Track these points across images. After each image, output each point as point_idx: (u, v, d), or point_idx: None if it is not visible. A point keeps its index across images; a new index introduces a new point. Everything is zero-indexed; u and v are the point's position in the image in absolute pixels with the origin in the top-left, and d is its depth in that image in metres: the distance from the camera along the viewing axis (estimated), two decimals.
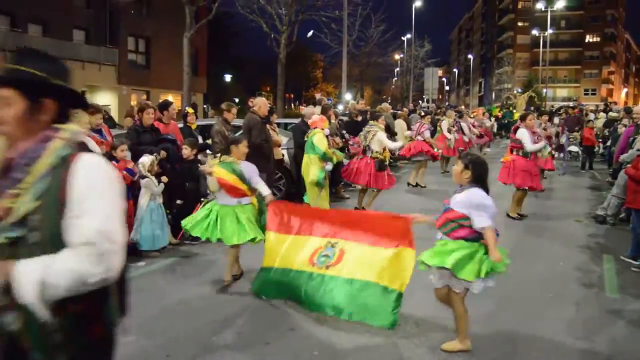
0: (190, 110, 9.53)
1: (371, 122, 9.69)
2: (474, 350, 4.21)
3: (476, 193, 4.00)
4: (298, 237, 4.80)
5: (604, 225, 8.68)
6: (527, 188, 8.95)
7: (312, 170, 8.27)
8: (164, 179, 6.95)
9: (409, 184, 12.41)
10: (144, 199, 6.71)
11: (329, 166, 8.41)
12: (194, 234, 5.82)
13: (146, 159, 6.79)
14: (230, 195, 5.63)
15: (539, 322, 4.83)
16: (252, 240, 5.57)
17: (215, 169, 5.67)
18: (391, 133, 12.72)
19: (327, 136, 8.51)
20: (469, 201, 3.97)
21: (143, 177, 6.73)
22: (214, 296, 5.47)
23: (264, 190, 5.73)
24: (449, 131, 14.18)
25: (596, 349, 4.30)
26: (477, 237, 3.98)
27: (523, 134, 8.85)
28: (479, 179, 4.07)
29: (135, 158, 6.92)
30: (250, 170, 5.73)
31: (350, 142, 11.57)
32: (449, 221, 4.04)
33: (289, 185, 10.48)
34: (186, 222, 5.85)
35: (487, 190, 4.07)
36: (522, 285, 5.80)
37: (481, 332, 4.56)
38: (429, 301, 4.51)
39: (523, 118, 9.19)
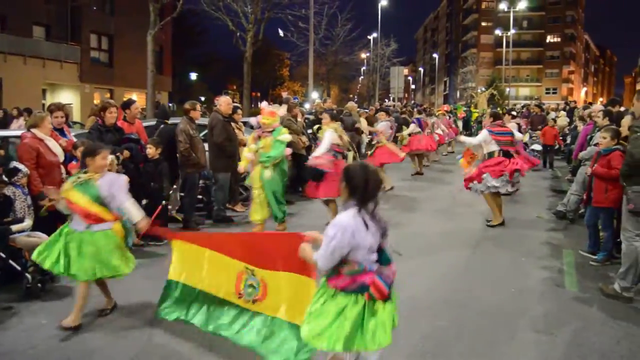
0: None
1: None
2: (438, 345, 4.28)
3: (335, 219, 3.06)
4: (214, 254, 4.15)
5: (564, 221, 8.91)
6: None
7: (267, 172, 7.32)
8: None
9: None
10: None
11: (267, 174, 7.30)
12: (45, 266, 4.66)
13: None
14: (84, 219, 4.59)
15: (501, 316, 4.94)
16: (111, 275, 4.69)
17: (66, 188, 4.69)
18: (357, 132, 12.83)
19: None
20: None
21: None
22: None
23: (134, 214, 4.66)
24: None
25: (556, 342, 4.42)
26: (360, 287, 3.02)
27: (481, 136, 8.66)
28: (354, 192, 3.05)
29: None
30: (112, 187, 4.62)
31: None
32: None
33: None
34: (38, 252, 4.67)
35: (368, 205, 3.04)
36: (484, 279, 5.93)
37: (444, 326, 4.65)
38: None
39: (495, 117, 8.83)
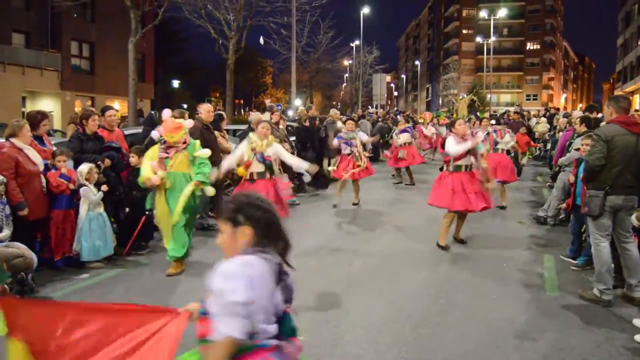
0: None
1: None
2: (420, 352, 4.30)
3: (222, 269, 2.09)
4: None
5: (545, 226, 9.01)
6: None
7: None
8: (104, 187, 6.78)
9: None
10: (82, 208, 6.53)
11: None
12: None
13: (84, 167, 6.61)
14: None
15: (482, 322, 4.97)
16: None
17: None
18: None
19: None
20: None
21: (82, 185, 6.56)
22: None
23: None
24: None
25: (537, 347, 4.45)
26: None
27: (449, 142, 7.41)
28: (258, 227, 2.20)
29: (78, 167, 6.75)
30: None
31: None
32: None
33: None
34: None
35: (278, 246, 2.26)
36: (466, 286, 5.96)
37: (426, 334, 4.67)
38: None
39: (452, 125, 7.66)
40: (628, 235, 5.38)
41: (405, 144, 13.82)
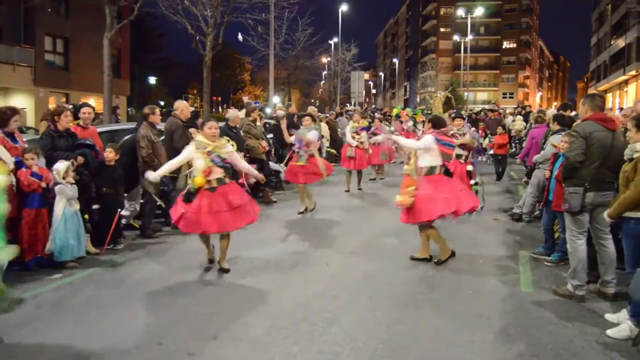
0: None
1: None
2: (396, 349, 4.31)
3: None
4: None
5: (520, 223, 9.12)
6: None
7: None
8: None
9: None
10: (58, 207, 6.40)
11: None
12: None
13: (61, 165, 6.49)
14: None
15: (458, 318, 5.00)
16: None
17: None
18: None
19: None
20: None
21: (57, 183, 6.43)
22: (134, 307, 5.30)
23: None
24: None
25: (511, 342, 4.49)
26: None
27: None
28: None
29: (51, 164, 6.61)
30: None
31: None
32: None
33: None
34: None
35: None
36: (442, 282, 6.00)
37: (402, 330, 4.68)
38: None
39: (434, 124, 6.96)
40: (606, 232, 5.45)
41: (362, 142, 12.49)
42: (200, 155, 6.09)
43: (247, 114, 11.43)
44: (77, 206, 6.60)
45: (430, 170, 6.64)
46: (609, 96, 50.44)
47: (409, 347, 4.38)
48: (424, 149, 6.65)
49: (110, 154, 7.47)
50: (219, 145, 6.24)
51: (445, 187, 6.57)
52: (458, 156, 8.94)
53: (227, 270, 6.30)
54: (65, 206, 6.44)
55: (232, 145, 6.43)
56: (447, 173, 6.75)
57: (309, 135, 9.63)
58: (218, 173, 6.16)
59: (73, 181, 6.58)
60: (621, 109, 17.64)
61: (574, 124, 7.18)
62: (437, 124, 6.93)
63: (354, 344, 4.41)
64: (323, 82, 64.80)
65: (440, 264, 6.64)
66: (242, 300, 5.47)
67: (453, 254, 6.84)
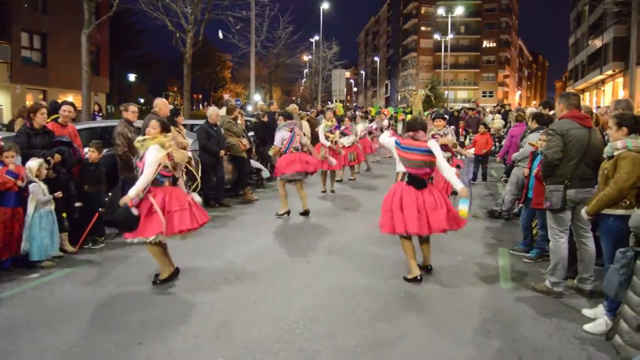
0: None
1: None
2: (377, 345, 4.32)
3: None
4: None
5: (499, 220, 9.20)
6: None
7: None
8: (58, 194, 6.62)
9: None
10: (31, 206, 6.30)
11: None
12: None
13: (33, 163, 6.37)
14: None
15: (439, 315, 5.03)
16: None
17: None
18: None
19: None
20: None
21: (31, 182, 6.32)
22: (111, 306, 5.24)
23: None
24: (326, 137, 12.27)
25: (491, 338, 4.53)
26: None
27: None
28: None
29: (27, 162, 6.50)
30: None
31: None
32: None
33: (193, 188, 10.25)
34: None
35: None
36: (423, 280, 6.01)
37: (383, 327, 4.69)
38: None
39: (412, 126, 6.07)
40: (587, 229, 5.52)
41: (335, 142, 12.24)
42: (174, 149, 5.70)
43: (229, 112, 11.37)
44: (51, 206, 6.49)
45: (396, 177, 6.09)
46: (587, 95, 51.22)
47: (391, 344, 4.39)
48: (386, 148, 6.23)
49: (92, 154, 7.40)
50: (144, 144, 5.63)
51: (396, 201, 5.84)
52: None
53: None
54: (39, 205, 6.34)
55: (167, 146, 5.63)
56: (417, 183, 5.87)
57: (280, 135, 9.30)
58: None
59: (44, 178, 6.47)
60: (598, 107, 17.91)
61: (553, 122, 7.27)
62: (409, 126, 6.10)
63: (334, 342, 4.41)
64: (304, 80, 64.77)
65: (409, 282, 5.90)
66: (221, 298, 5.44)
67: (419, 279, 5.92)
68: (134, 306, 5.21)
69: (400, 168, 5.97)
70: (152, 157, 5.48)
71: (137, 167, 5.69)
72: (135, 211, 5.33)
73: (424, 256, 6.33)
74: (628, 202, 4.64)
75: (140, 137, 5.82)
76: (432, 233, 5.88)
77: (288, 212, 9.37)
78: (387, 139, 6.25)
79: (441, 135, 8.70)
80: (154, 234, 5.43)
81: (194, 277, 6.08)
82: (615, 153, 4.75)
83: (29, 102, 27.18)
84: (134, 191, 5.36)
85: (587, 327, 4.70)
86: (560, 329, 4.72)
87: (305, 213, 9.38)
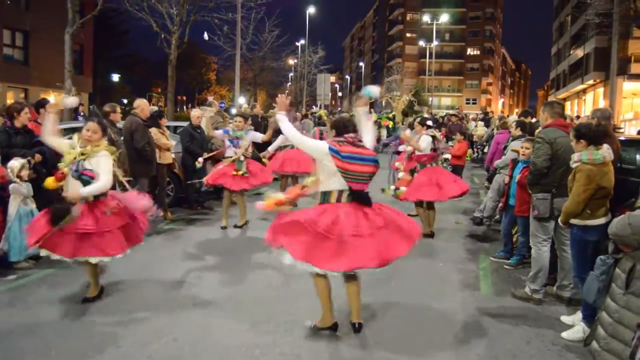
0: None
1: None
2: (357, 349, 4.32)
3: None
4: None
5: (481, 227, 9.27)
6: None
7: None
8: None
9: None
10: (13, 205, 6.21)
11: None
12: None
13: (15, 163, 6.29)
14: None
15: (419, 321, 5.05)
16: None
17: None
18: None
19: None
20: None
21: (11, 182, 6.23)
22: (88, 308, 5.18)
23: None
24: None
25: (470, 343, 4.56)
26: None
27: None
28: None
29: (7, 162, 6.41)
30: None
31: None
32: None
33: (177, 190, 10.20)
34: None
35: None
36: (403, 285, 6.04)
37: (365, 332, 4.69)
38: None
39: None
40: (568, 237, 5.58)
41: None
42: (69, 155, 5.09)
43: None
44: (32, 205, 6.40)
45: (324, 197, 4.50)
46: (568, 104, 51.83)
47: (370, 349, 4.40)
48: (312, 154, 4.60)
49: None
50: (89, 150, 5.11)
51: (326, 224, 4.24)
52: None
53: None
54: (20, 205, 6.25)
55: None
56: (362, 200, 4.43)
57: (255, 137, 8.70)
58: (74, 185, 5.04)
59: (27, 179, 6.38)
60: (578, 117, 18.16)
61: (536, 131, 7.34)
62: (340, 128, 4.55)
63: (314, 346, 4.40)
64: (289, 83, 64.69)
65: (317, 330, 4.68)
66: (200, 302, 5.40)
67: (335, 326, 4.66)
68: (111, 309, 5.15)
69: (336, 185, 4.41)
70: (109, 164, 5.08)
71: (83, 175, 5.01)
72: (76, 211, 4.87)
73: (351, 305, 4.68)
74: (589, 211, 4.75)
75: (75, 140, 5.16)
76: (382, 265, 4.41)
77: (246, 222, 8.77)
78: (313, 144, 4.66)
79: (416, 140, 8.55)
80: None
81: (175, 279, 6.04)
82: (573, 165, 4.83)
83: (9, 101, 26.81)
84: (87, 191, 4.92)
85: (565, 334, 4.75)
86: (539, 336, 4.77)
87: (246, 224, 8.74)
